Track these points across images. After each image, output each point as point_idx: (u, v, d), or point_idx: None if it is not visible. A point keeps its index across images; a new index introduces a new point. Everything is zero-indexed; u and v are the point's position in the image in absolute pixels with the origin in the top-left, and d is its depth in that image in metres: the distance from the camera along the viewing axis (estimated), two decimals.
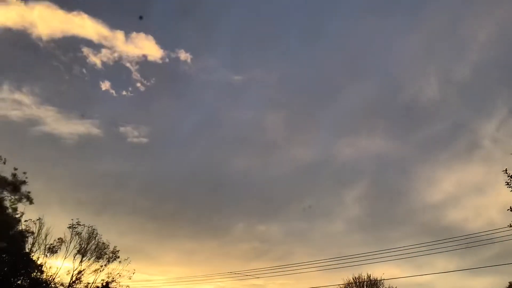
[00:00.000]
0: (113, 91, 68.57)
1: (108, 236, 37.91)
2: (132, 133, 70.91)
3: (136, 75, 69.16)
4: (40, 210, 35.60)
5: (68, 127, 65.80)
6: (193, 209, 72.87)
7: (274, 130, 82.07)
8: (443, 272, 30.62)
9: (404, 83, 76.95)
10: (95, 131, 68.91)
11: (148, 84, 70.52)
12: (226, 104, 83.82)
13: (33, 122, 63.45)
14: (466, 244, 25.26)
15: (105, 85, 67.48)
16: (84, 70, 67.82)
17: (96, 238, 36.91)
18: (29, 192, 33.36)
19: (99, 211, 53.54)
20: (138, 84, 69.50)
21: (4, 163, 32.24)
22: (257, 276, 35.92)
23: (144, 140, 71.41)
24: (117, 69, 69.75)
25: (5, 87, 61.24)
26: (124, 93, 69.64)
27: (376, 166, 75.82)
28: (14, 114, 61.52)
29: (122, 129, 71.11)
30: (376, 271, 40.83)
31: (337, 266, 31.84)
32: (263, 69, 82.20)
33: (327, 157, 78.66)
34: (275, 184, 76.96)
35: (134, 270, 37.42)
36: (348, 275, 42.03)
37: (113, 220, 59.61)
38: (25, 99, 62.98)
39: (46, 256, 35.09)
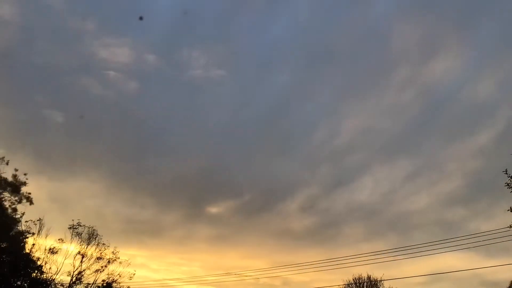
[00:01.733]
0: None
1: None
2: None
3: None
4: None
5: None
6: None
7: None
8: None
9: None
10: None
11: None
12: None
13: None
14: None
15: None
16: None
17: (97, 238, 36.92)
18: (29, 193, 33.49)
19: None
20: None
21: (7, 164, 32.38)
22: (257, 277, 35.84)
23: None
24: None
25: None
26: None
27: None
28: None
29: None
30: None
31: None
32: None
33: None
34: None
35: (135, 270, 37.45)
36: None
37: None
38: None
39: (47, 256, 35.01)
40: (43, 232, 35.00)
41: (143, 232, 67.49)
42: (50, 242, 35.36)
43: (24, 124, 64.08)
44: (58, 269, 35.29)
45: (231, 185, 73.52)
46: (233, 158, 75.33)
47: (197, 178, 73.49)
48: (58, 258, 35.43)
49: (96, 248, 36.73)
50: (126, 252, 38.84)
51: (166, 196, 75.28)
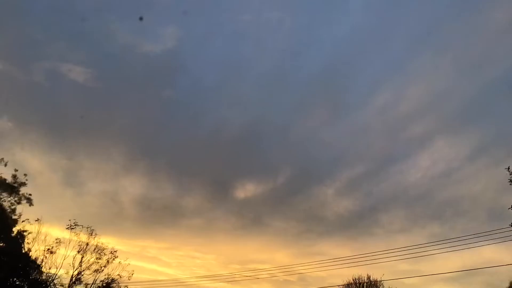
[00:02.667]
0: None
1: None
2: None
3: None
4: None
5: None
6: None
7: None
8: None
9: None
10: None
11: None
12: None
13: None
14: None
15: None
16: None
17: (95, 238, 36.98)
18: (30, 194, 33.50)
19: None
20: None
21: (5, 165, 32.38)
22: (257, 277, 36.26)
23: None
24: None
25: None
26: None
27: None
28: None
29: None
30: None
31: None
32: None
33: None
34: None
35: (133, 270, 37.60)
36: None
37: None
38: None
39: (45, 256, 34.96)
40: (42, 232, 35.04)
41: (159, 220, 65.08)
42: (49, 242, 35.36)
43: (37, 87, 59.46)
44: (58, 270, 35.34)
45: (263, 162, 67.81)
46: (270, 126, 67.70)
47: (225, 153, 67.99)
48: (57, 258, 35.47)
49: (95, 248, 36.81)
50: (138, 244, 38.25)
51: (187, 177, 70.12)
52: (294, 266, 37.06)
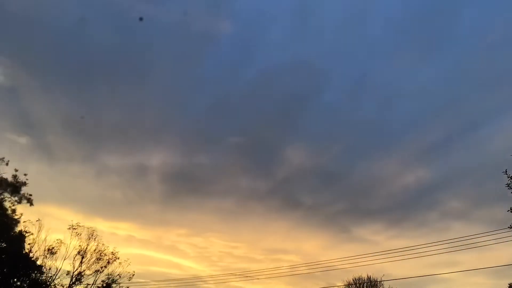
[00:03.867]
0: None
1: None
2: None
3: None
4: None
5: None
6: None
7: None
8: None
9: None
10: None
11: None
12: None
13: None
14: None
15: None
16: None
17: (96, 239, 36.95)
18: (30, 195, 33.52)
19: None
20: None
21: (7, 164, 32.42)
22: (257, 277, 35.89)
23: None
24: None
25: None
26: None
27: None
28: None
29: None
30: None
31: None
32: None
33: None
34: None
35: (134, 271, 37.46)
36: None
37: None
38: None
39: (46, 257, 35.00)
40: (43, 232, 35.06)
41: (184, 200, 65.34)
42: (49, 242, 35.39)
43: None
44: (58, 270, 35.33)
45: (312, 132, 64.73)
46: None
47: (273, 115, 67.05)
48: (58, 258, 35.47)
49: (95, 249, 36.78)
50: (158, 229, 37.24)
51: (220, 148, 71.44)
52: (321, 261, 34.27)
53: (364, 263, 30.29)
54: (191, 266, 68.19)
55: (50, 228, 35.65)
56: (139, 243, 63.33)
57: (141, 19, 58.63)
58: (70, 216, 60.67)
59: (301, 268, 37.73)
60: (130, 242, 62.52)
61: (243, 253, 69.17)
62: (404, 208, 63.24)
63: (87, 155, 65.30)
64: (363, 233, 65.15)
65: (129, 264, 37.37)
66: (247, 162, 72.44)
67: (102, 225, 55.60)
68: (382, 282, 39.01)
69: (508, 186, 13.57)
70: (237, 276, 38.54)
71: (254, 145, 69.50)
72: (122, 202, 66.39)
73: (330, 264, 32.87)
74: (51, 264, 35.14)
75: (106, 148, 67.65)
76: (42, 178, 52.54)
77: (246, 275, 37.75)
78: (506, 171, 13.63)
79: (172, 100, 70.89)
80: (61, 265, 35.46)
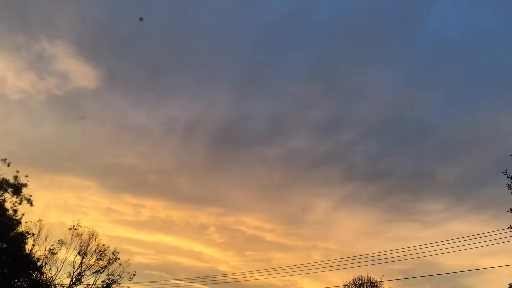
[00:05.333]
0: None
1: None
2: None
3: None
4: None
5: None
6: None
7: None
8: None
9: None
10: None
11: None
12: None
13: None
14: None
15: None
16: None
17: (97, 239, 37.13)
18: (30, 196, 33.62)
19: None
20: None
21: (8, 165, 32.51)
22: (256, 277, 36.09)
23: None
24: None
25: None
26: None
27: None
28: None
29: None
30: None
31: None
32: None
33: None
34: None
35: (135, 272, 37.63)
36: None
37: None
38: None
39: (47, 257, 35.13)
40: (43, 233, 35.18)
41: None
42: (50, 243, 35.52)
43: None
44: (58, 270, 35.46)
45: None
46: None
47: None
48: (58, 259, 35.61)
49: (96, 249, 36.93)
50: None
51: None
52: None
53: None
54: (213, 255, 64.61)
55: (50, 229, 35.93)
56: (161, 225, 60.77)
57: (141, 19, 58.38)
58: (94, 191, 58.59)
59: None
60: (151, 226, 60.42)
61: (275, 237, 65.25)
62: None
63: None
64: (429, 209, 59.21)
65: (129, 265, 37.58)
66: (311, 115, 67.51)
67: (125, 206, 53.10)
68: (382, 282, 39.18)
69: (508, 186, 13.87)
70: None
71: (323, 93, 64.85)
72: (149, 172, 62.35)
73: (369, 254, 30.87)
74: (51, 265, 35.35)
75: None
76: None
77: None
78: (506, 171, 13.93)
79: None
80: (61, 266, 35.69)
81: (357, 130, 71.26)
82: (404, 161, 67.18)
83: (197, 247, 63.72)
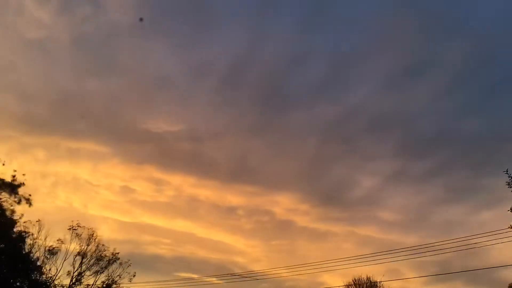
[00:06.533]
0: None
1: None
2: None
3: None
4: None
5: None
6: None
7: None
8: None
9: None
10: None
11: None
12: None
13: None
14: None
15: None
16: None
17: (96, 239, 36.80)
18: (29, 195, 33.38)
19: None
20: None
21: (3, 164, 32.35)
22: (256, 278, 35.40)
23: None
24: None
25: None
26: None
27: None
28: None
29: None
30: None
31: None
32: None
33: None
34: None
35: (135, 272, 37.17)
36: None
37: None
38: None
39: (46, 257, 34.90)
40: (43, 233, 34.95)
41: None
42: (49, 243, 35.27)
43: None
44: (58, 270, 35.21)
45: None
46: None
47: None
48: (58, 259, 35.34)
49: (96, 249, 36.59)
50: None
51: None
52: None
53: None
54: (235, 245, 56.83)
55: (50, 228, 35.65)
56: (184, 208, 54.38)
57: (141, 19, 57.87)
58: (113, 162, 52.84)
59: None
60: (171, 209, 54.67)
61: (308, 222, 56.20)
62: None
63: None
64: None
65: (130, 265, 37.14)
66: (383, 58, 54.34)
67: (147, 182, 47.61)
68: (382, 282, 38.21)
69: (509, 185, 12.99)
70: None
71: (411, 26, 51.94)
72: (179, 139, 54.81)
73: None
74: (51, 265, 35.12)
75: None
76: None
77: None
78: (507, 171, 13.03)
79: None
80: (61, 266, 35.44)
81: (439, 80, 55.91)
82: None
83: (218, 235, 57.82)
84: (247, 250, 57.70)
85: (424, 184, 56.14)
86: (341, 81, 55.97)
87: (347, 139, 60.73)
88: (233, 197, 57.53)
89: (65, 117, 55.88)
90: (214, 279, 39.17)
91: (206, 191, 58.13)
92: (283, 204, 58.02)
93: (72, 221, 36.86)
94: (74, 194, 54.04)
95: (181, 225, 55.42)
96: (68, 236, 36.33)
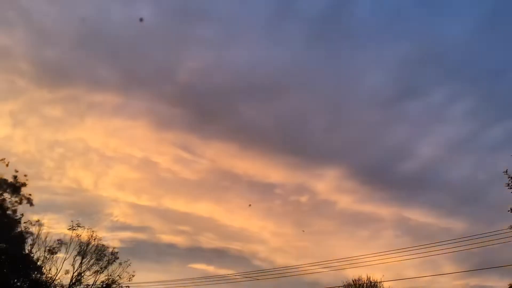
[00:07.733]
0: None
1: None
2: None
3: None
4: None
5: None
6: None
7: None
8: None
9: None
10: None
11: None
12: None
13: None
14: None
15: None
16: None
17: (96, 239, 37.01)
18: (30, 195, 33.58)
19: None
20: None
21: (7, 165, 32.55)
22: (257, 278, 35.83)
23: None
24: None
25: None
26: None
27: None
28: None
29: None
30: None
31: None
32: None
33: None
34: None
35: (134, 272, 37.44)
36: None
37: None
38: None
39: (46, 257, 35.01)
40: (43, 233, 35.07)
41: None
42: (49, 243, 35.39)
43: None
44: (58, 271, 35.36)
45: None
46: None
47: None
48: (58, 259, 35.49)
49: (95, 249, 36.79)
50: None
51: None
52: None
53: None
54: (258, 232, 49.41)
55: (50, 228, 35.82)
56: (214, 186, 48.04)
57: (141, 19, 58.22)
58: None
59: None
60: (201, 187, 48.37)
61: (351, 203, 46.92)
62: None
63: None
64: None
65: (129, 265, 37.40)
66: None
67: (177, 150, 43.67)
68: (382, 283, 38.59)
69: (508, 185, 13.64)
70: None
71: None
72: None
73: None
74: (51, 265, 35.26)
75: None
76: None
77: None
78: (506, 171, 13.67)
79: None
80: (61, 266, 35.59)
81: None
82: None
83: (242, 221, 49.72)
84: (271, 240, 50.46)
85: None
86: None
87: (409, 89, 51.50)
88: (274, 172, 49.28)
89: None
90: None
91: (244, 164, 50.40)
92: (327, 179, 50.48)
93: (72, 221, 37.04)
94: (84, 170, 47.77)
95: (203, 208, 48.67)
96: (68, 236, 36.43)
